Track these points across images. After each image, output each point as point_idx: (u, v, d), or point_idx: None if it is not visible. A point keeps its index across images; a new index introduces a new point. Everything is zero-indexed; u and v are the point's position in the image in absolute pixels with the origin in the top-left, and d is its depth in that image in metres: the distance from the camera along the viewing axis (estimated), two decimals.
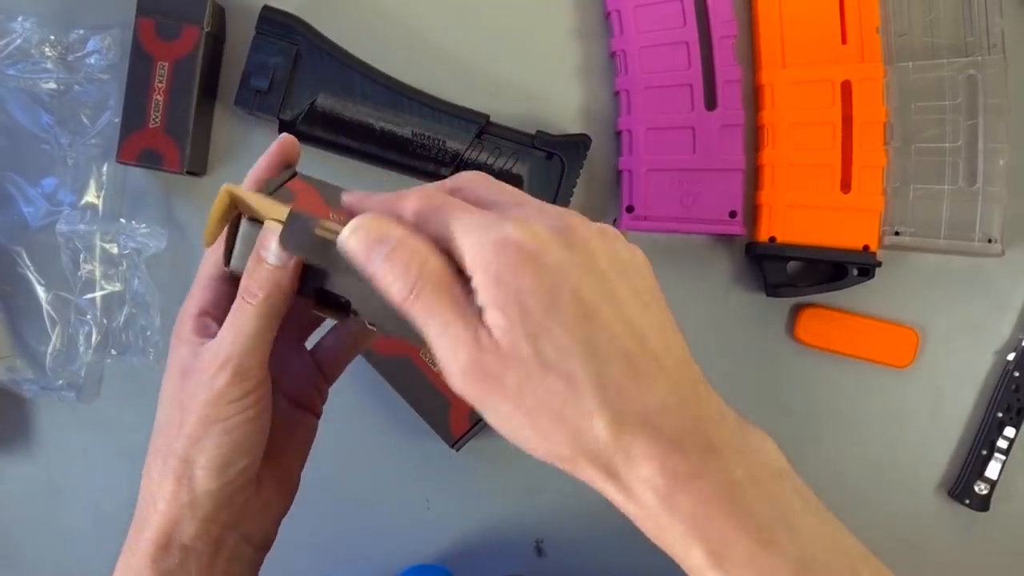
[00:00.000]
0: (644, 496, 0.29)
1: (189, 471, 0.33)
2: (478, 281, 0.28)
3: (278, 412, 0.37)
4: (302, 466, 0.40)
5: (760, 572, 0.28)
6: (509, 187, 0.33)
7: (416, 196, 0.31)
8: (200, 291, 0.37)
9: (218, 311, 0.36)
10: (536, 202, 0.32)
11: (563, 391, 0.28)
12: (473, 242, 0.29)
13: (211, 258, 0.37)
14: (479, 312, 0.28)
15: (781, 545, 0.28)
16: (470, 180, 0.33)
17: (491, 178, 0.33)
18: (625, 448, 0.28)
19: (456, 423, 0.55)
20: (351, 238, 0.30)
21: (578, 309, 0.28)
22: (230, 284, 0.36)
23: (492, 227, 0.29)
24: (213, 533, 0.35)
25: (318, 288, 0.34)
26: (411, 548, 0.59)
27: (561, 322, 0.28)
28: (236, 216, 0.34)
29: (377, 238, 0.29)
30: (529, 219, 0.30)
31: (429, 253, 0.29)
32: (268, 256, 0.33)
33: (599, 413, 0.28)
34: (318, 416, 0.42)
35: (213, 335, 0.35)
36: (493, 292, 0.28)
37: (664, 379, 0.29)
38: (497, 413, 0.29)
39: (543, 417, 0.28)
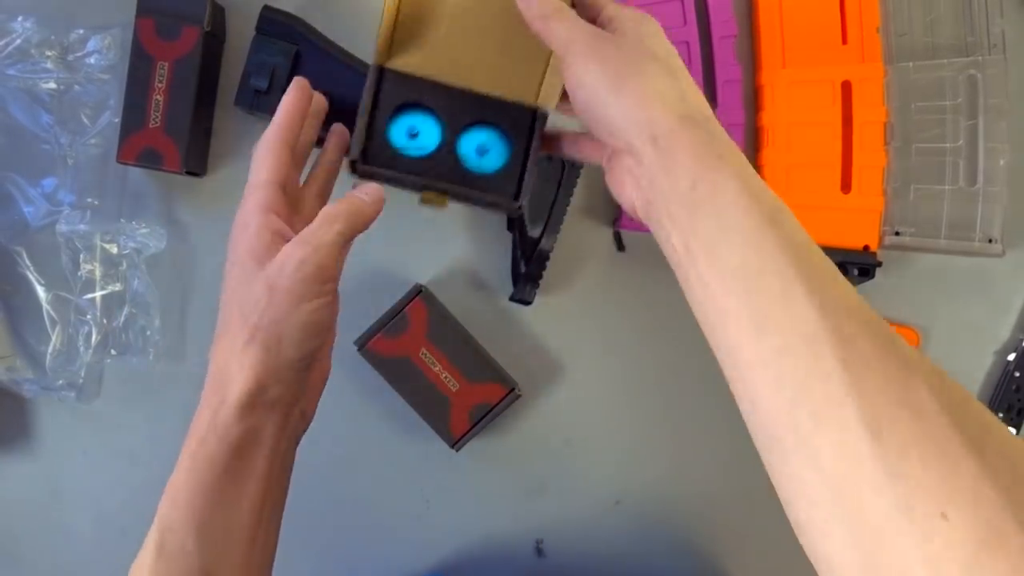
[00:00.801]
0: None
1: (278, 342, 0.37)
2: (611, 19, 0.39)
3: None
4: (332, 350, 0.45)
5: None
6: None
7: None
8: (260, 191, 0.41)
9: (281, 208, 0.40)
10: None
11: (664, 75, 0.37)
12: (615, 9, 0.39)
13: (268, 164, 0.41)
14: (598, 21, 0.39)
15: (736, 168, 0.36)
16: None
17: None
18: (694, 97, 0.37)
19: (456, 423, 0.55)
20: None
21: (667, 54, 0.38)
22: (283, 191, 0.41)
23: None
24: (287, 399, 0.38)
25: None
26: (411, 548, 0.59)
27: (661, 49, 0.38)
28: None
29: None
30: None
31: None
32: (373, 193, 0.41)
33: (680, 99, 0.36)
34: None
35: (280, 230, 0.39)
36: (623, 21, 0.38)
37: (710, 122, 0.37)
38: (598, 89, 0.36)
39: (636, 87, 0.36)
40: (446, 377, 0.55)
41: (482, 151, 0.43)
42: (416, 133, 0.43)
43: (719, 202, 0.33)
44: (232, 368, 0.37)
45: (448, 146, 0.43)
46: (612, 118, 0.36)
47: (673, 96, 0.36)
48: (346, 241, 0.40)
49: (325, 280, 0.38)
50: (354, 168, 0.43)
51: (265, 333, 0.37)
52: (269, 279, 0.38)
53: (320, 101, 0.47)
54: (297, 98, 0.43)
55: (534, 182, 0.44)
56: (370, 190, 0.41)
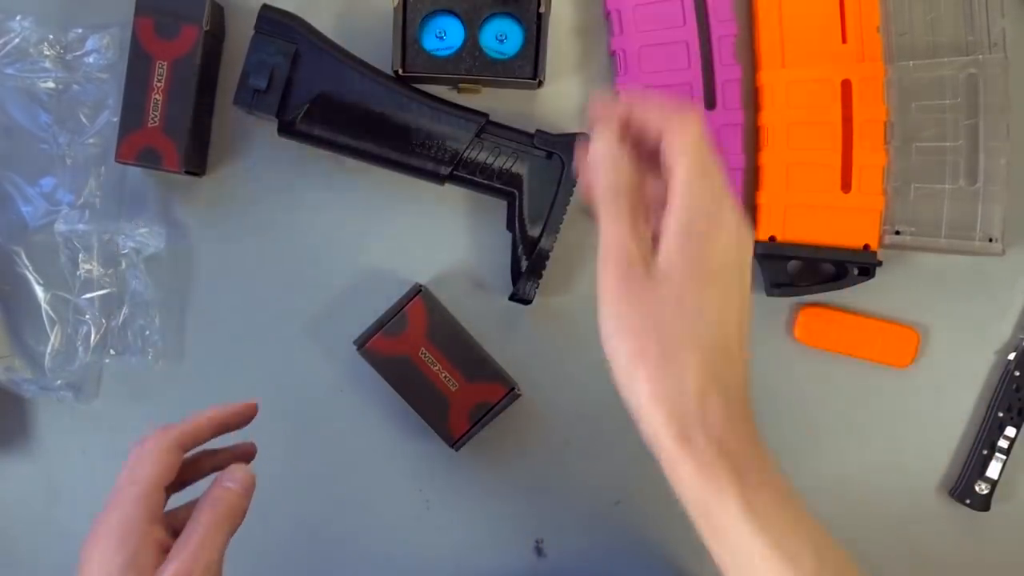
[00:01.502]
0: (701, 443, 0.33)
1: None
2: (672, 206, 0.34)
3: None
4: None
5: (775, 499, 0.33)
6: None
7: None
8: (147, 498, 0.39)
9: (161, 515, 0.39)
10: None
11: (693, 325, 0.33)
12: (683, 218, 0.34)
13: (161, 467, 0.40)
14: (651, 221, 0.35)
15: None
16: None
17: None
18: (704, 406, 0.33)
19: (456, 423, 0.55)
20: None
21: (722, 299, 0.34)
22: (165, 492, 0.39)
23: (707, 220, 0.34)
24: None
25: None
26: (411, 548, 0.59)
27: (708, 296, 0.34)
28: None
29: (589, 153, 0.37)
30: (736, 221, 0.35)
31: (620, 167, 0.36)
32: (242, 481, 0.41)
33: (696, 403, 0.33)
34: None
35: (163, 545, 0.37)
36: (676, 247, 0.34)
37: (742, 365, 0.35)
38: (619, 303, 0.34)
39: (647, 379, 0.33)
40: (446, 377, 0.55)
41: (501, 39, 0.53)
42: (443, 34, 0.53)
43: (729, 542, 0.33)
44: None
45: (472, 40, 0.53)
46: (628, 394, 0.34)
47: (687, 399, 0.33)
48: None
49: None
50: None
51: None
52: None
53: (249, 413, 0.44)
54: (228, 415, 0.43)
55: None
56: (238, 477, 0.40)
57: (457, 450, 0.55)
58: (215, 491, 0.39)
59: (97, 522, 0.38)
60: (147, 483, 0.38)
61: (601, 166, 0.36)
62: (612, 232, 0.35)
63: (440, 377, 0.55)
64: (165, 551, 0.37)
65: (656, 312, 0.33)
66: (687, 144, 0.34)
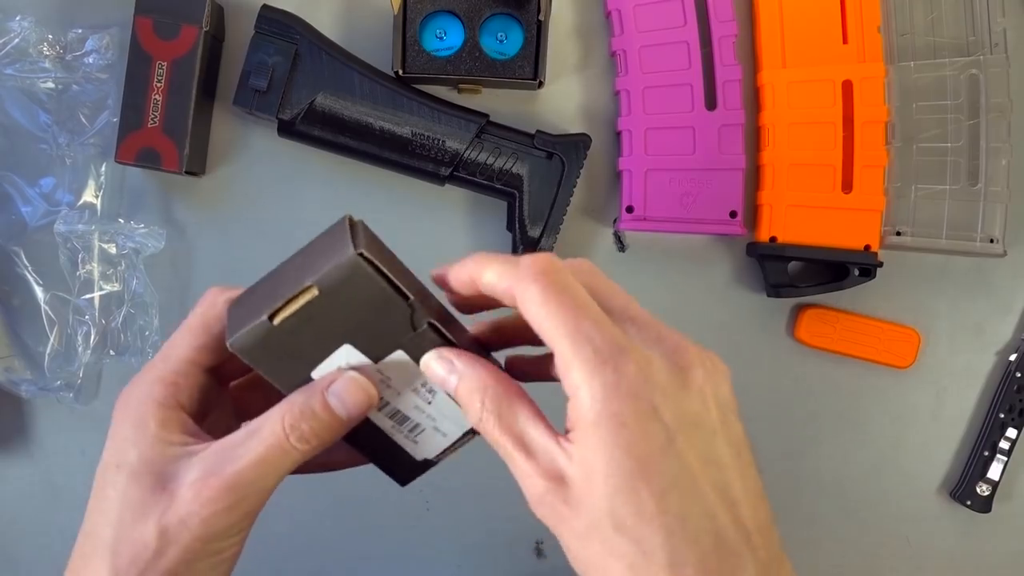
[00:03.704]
0: None
1: None
2: (573, 416, 0.26)
3: None
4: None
5: None
6: (620, 290, 0.30)
7: (538, 276, 0.28)
8: (174, 374, 0.31)
9: (192, 405, 0.32)
10: (649, 319, 0.29)
11: (631, 556, 0.25)
12: (583, 376, 0.26)
13: (195, 333, 0.32)
14: (556, 436, 0.27)
15: None
16: (583, 270, 0.30)
17: (601, 273, 0.30)
18: None
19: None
20: (432, 365, 0.30)
21: (676, 474, 0.25)
22: (210, 375, 0.32)
23: (609, 363, 0.26)
24: None
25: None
26: (411, 548, 0.59)
27: (652, 486, 0.25)
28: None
29: (448, 370, 0.30)
30: (648, 357, 0.27)
31: (490, 381, 0.29)
32: (353, 407, 0.30)
33: None
34: None
35: (193, 434, 0.31)
36: (585, 436, 0.26)
37: (752, 561, 0.26)
38: (562, 540, 0.27)
39: (602, 570, 0.26)
40: None
41: (500, 39, 0.53)
42: (443, 35, 0.53)
43: None
44: None
45: (472, 41, 0.53)
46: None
47: None
48: (294, 464, 0.30)
49: (247, 525, 0.30)
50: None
51: None
52: (166, 525, 0.29)
53: None
54: None
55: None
56: (346, 392, 0.30)
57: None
58: (307, 399, 0.30)
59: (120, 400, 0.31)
60: (175, 348, 0.31)
61: (469, 403, 0.29)
62: (512, 458, 0.28)
63: None
64: (193, 449, 0.30)
65: (591, 530, 0.26)
66: (539, 312, 0.27)
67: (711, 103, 0.55)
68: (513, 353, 0.34)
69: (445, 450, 0.36)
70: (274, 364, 0.31)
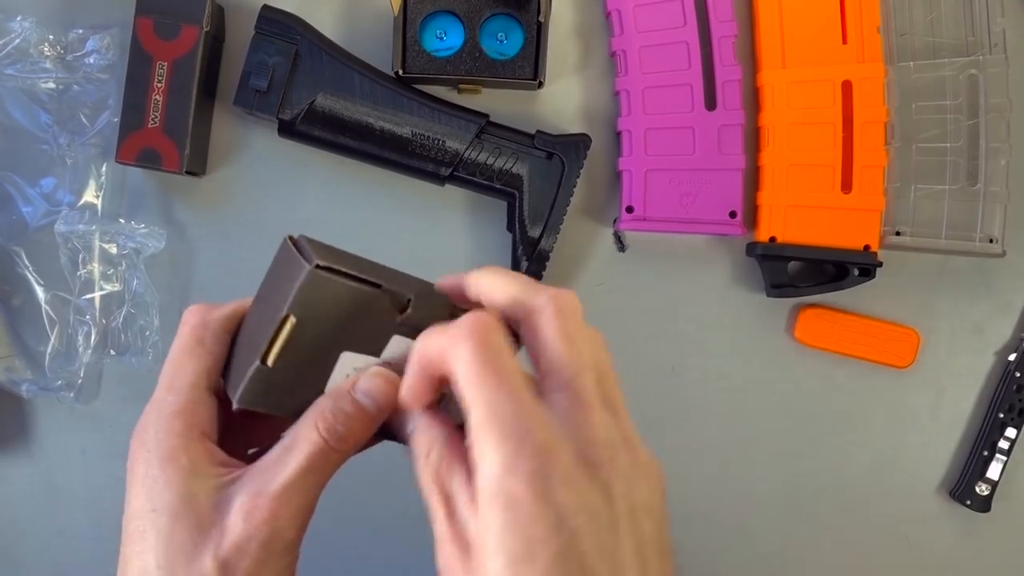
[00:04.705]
0: None
1: None
2: (477, 485, 0.26)
3: None
4: None
5: None
6: (584, 342, 0.29)
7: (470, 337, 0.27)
8: (189, 403, 0.31)
9: (212, 431, 0.31)
10: (587, 396, 0.28)
11: None
12: (487, 448, 0.26)
13: (196, 357, 0.32)
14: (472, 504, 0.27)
15: None
16: (562, 307, 0.29)
17: (579, 312, 0.30)
18: None
19: None
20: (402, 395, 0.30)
21: (564, 559, 0.24)
22: (219, 400, 0.32)
23: (512, 441, 0.25)
24: None
25: None
26: (412, 549, 0.59)
27: (536, 568, 0.24)
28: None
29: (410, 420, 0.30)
30: (554, 441, 0.26)
31: (435, 443, 0.28)
32: (382, 399, 0.30)
33: None
34: None
35: (223, 462, 0.30)
36: (483, 509, 0.25)
37: None
38: None
39: None
40: None
41: (500, 39, 0.53)
42: (443, 35, 0.53)
43: None
44: None
45: (472, 41, 0.53)
46: None
47: None
48: (336, 467, 0.31)
49: (300, 530, 0.30)
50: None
51: None
52: (225, 558, 0.28)
53: None
54: None
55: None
56: (373, 389, 0.31)
57: None
58: (335, 402, 0.30)
59: (133, 445, 0.31)
60: (177, 378, 0.31)
61: (418, 451, 0.29)
62: (434, 516, 0.28)
63: None
64: (233, 475, 0.29)
65: None
66: (464, 373, 0.27)
67: (711, 103, 0.55)
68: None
69: None
70: (285, 401, 0.31)
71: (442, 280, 0.33)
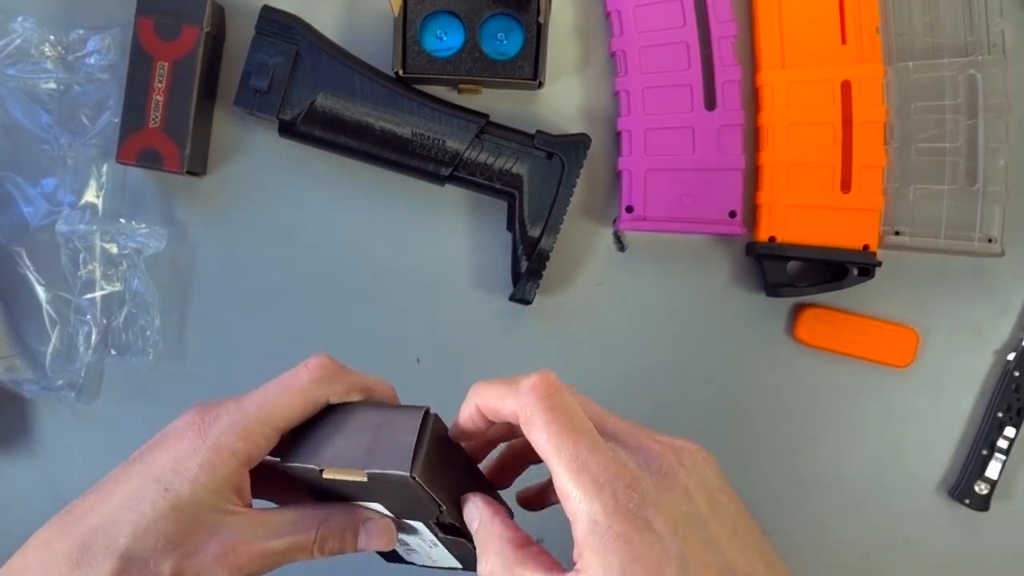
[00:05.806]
0: None
1: None
2: (580, 541, 0.29)
3: None
4: None
5: None
6: (594, 404, 0.34)
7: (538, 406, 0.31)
8: (263, 434, 0.33)
9: (256, 463, 0.34)
10: (628, 429, 0.32)
11: None
12: (584, 503, 0.28)
13: (305, 404, 0.34)
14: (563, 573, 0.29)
15: None
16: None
17: (564, 388, 0.32)
18: None
19: None
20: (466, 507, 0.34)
21: (684, 571, 0.27)
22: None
23: (606, 489, 0.28)
24: None
25: None
26: None
27: None
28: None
29: (472, 516, 0.33)
30: (635, 473, 0.29)
31: (503, 541, 0.32)
32: (374, 545, 0.36)
33: None
34: None
35: (241, 496, 0.33)
36: (594, 558, 0.28)
37: None
38: None
39: None
40: None
41: (500, 39, 0.53)
42: (443, 35, 0.53)
43: None
44: None
45: (472, 41, 0.53)
46: None
47: None
48: (303, 560, 0.34)
49: None
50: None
51: None
52: (183, 569, 0.31)
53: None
54: (382, 391, 0.37)
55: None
56: (380, 530, 0.36)
57: None
58: (345, 523, 0.35)
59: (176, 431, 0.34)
60: (275, 419, 0.33)
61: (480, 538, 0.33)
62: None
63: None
64: (233, 507, 0.32)
65: None
66: (541, 438, 0.30)
67: (710, 103, 0.55)
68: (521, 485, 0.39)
69: (430, 567, 0.41)
70: (313, 488, 0.36)
71: (459, 420, 0.35)
